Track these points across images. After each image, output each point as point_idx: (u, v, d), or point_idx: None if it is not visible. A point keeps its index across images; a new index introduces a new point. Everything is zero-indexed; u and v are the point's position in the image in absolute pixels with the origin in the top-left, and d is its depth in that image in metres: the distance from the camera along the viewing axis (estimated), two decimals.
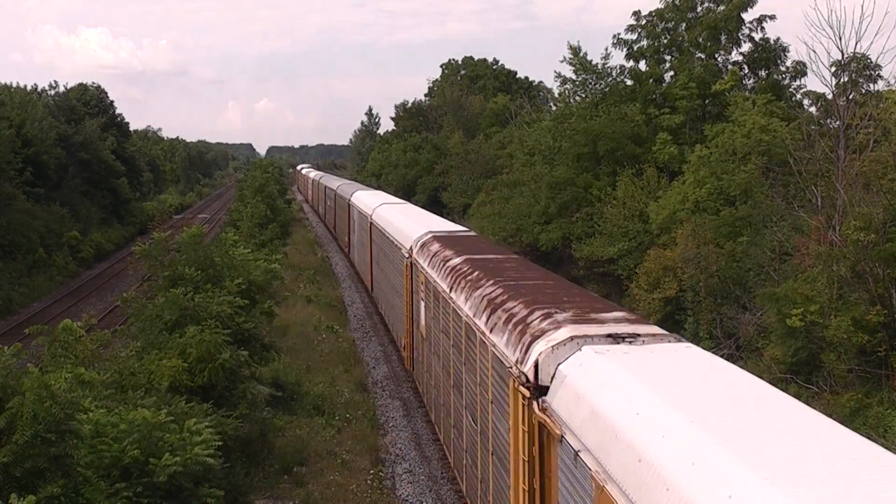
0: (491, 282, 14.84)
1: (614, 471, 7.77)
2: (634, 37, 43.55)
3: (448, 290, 16.79)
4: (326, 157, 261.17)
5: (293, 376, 23.53)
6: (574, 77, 45.23)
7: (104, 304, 37.87)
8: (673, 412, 7.78)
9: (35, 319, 31.61)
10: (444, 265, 18.28)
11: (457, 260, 17.95)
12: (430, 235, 22.61)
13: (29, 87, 69.51)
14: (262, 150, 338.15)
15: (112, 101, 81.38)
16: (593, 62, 44.49)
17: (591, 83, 44.67)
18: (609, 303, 13.73)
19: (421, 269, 20.78)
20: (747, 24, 41.55)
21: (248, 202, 51.48)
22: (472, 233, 25.77)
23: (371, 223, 34.73)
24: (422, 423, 21.96)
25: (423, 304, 20.73)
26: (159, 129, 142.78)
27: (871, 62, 30.46)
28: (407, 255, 23.46)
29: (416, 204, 48.28)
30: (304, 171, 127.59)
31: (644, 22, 43.42)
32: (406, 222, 27.59)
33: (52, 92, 74.94)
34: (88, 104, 76.22)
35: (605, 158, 40.32)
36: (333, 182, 69.82)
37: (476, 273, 16.12)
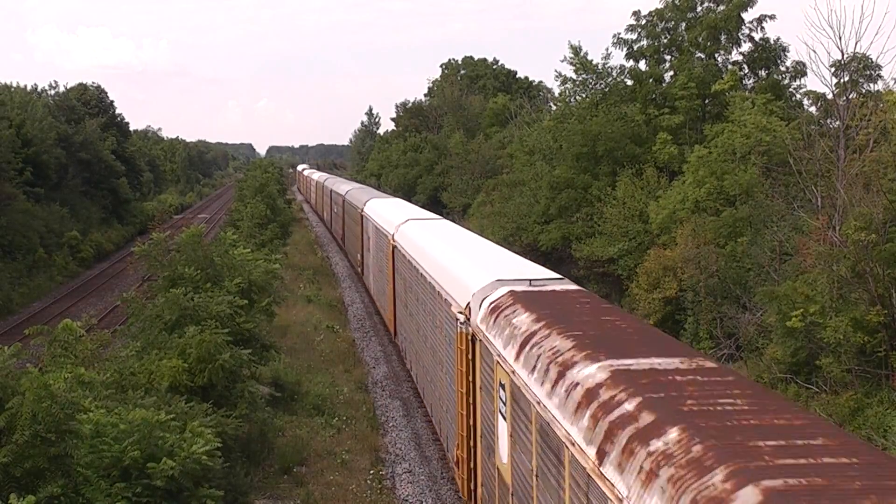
0: (747, 482, 5.90)
1: None
2: (634, 36, 43.60)
3: (593, 457, 7.88)
4: (326, 156, 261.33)
5: (293, 376, 23.53)
6: (574, 77, 45.30)
7: (104, 304, 37.87)
8: None
9: (35, 319, 31.60)
10: (559, 375, 9.57)
11: (590, 370, 9.09)
12: (504, 291, 13.59)
13: (29, 87, 69.62)
14: (262, 150, 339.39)
15: (112, 101, 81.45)
16: (593, 62, 44.55)
17: (591, 83, 44.69)
18: None
19: (497, 358, 12.18)
20: (747, 24, 41.62)
21: (248, 202, 51.45)
22: (570, 284, 14.67)
23: (394, 247, 26.43)
24: (422, 423, 21.97)
25: (504, 424, 11.99)
26: (159, 129, 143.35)
27: (872, 62, 30.54)
28: (461, 319, 14.63)
29: (416, 204, 47.82)
30: (305, 173, 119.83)
31: (644, 22, 43.45)
32: (453, 259, 18.46)
33: (52, 92, 74.96)
34: (88, 104, 76.20)
35: (604, 158, 40.39)
36: (341, 186, 58.97)
37: (677, 440, 6.91)
